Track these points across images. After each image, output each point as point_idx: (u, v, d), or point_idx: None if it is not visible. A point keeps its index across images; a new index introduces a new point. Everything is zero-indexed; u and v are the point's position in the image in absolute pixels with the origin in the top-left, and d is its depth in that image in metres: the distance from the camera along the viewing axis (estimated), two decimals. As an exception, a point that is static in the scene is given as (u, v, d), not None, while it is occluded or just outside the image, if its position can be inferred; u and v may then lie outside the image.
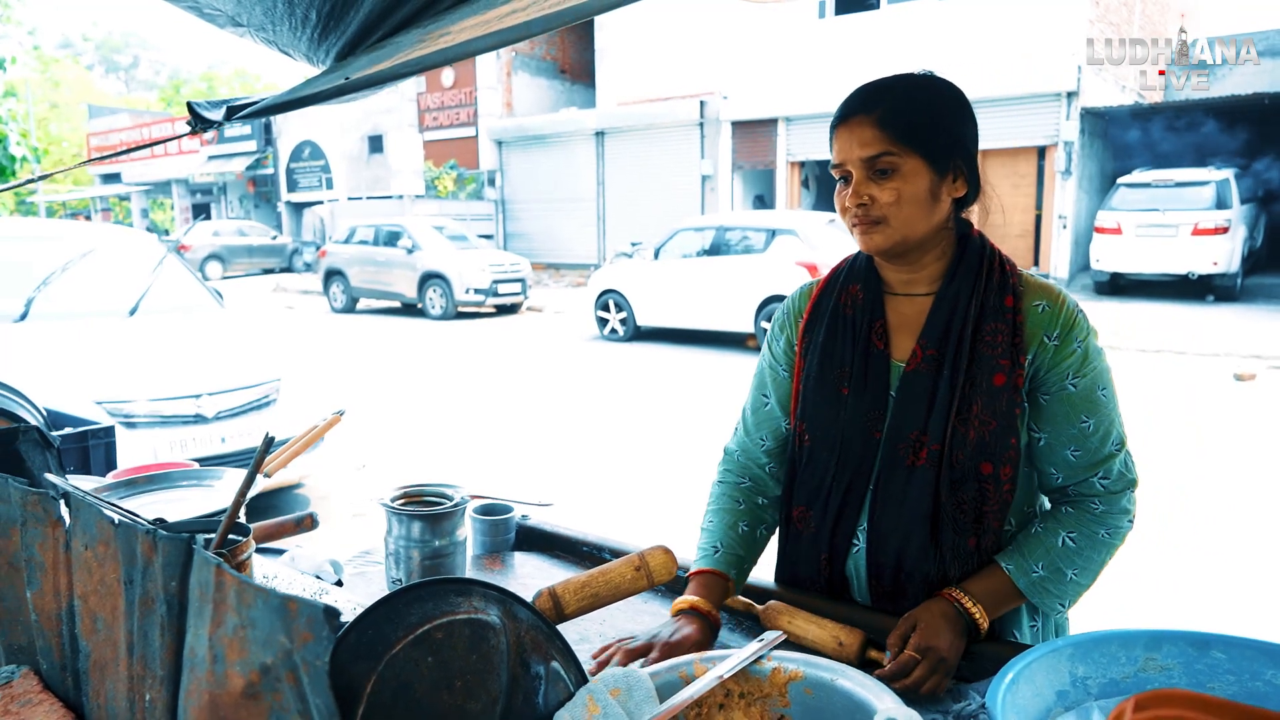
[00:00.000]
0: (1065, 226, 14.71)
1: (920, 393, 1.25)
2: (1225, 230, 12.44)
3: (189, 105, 1.95)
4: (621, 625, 1.38)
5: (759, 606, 1.32)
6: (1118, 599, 3.42)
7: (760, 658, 1.00)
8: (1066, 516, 1.26)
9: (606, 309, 12.07)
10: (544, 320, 14.51)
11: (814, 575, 1.36)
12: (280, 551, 1.62)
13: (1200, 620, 2.51)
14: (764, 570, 1.44)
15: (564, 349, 11.47)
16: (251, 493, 1.12)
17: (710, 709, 0.97)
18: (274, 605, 0.60)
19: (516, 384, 9.10)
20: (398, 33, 1.61)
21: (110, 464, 2.12)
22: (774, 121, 17.60)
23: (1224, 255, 12.49)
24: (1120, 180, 13.84)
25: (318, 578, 1.49)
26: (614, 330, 12.01)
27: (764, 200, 18.83)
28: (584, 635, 1.33)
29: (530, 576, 1.59)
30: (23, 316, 4.72)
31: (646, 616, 1.42)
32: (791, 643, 1.21)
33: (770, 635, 1.06)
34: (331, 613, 0.57)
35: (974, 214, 1.34)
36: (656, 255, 11.66)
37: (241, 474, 1.46)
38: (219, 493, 1.48)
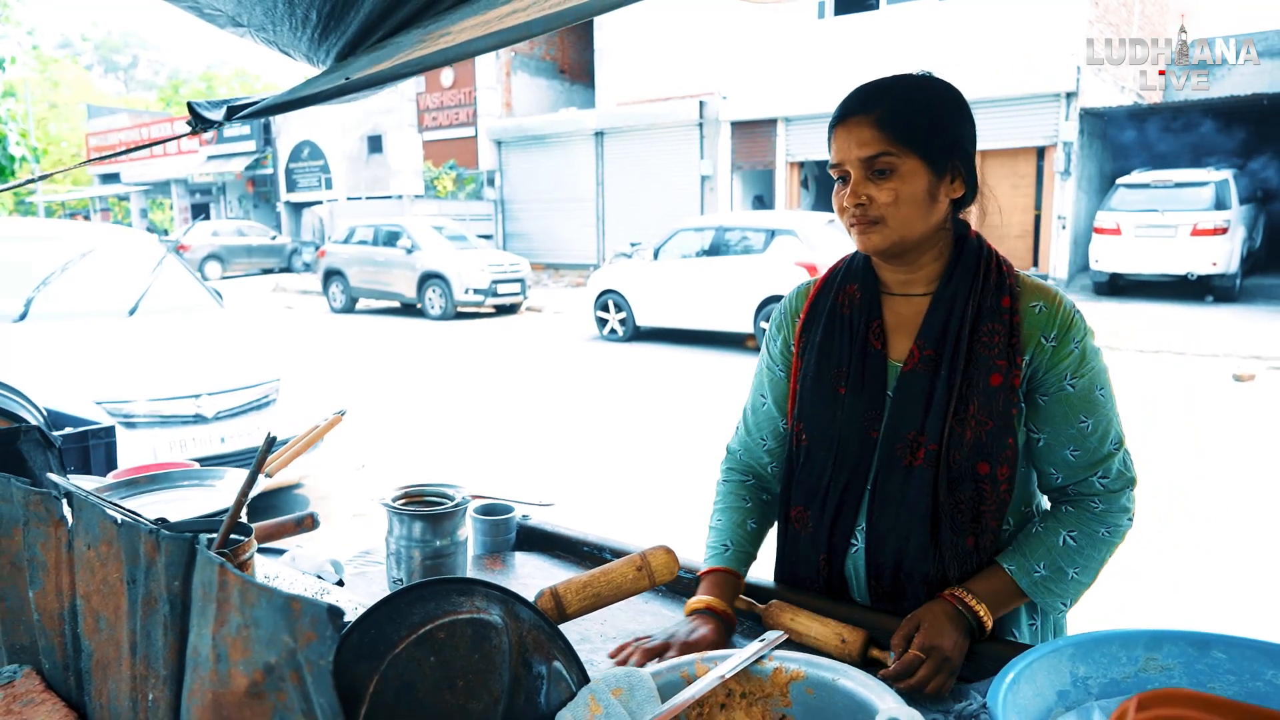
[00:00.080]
0: (1064, 227, 14.72)
1: (917, 393, 1.25)
2: (1224, 231, 12.45)
3: (189, 105, 1.95)
4: (622, 625, 1.38)
5: (760, 606, 1.32)
6: (1118, 599, 3.42)
7: (762, 657, 1.00)
8: (1067, 516, 1.27)
9: (606, 309, 12.07)
10: (543, 320, 14.51)
11: (813, 575, 1.36)
12: (280, 551, 1.63)
13: (1200, 620, 2.51)
14: (764, 569, 1.44)
15: (563, 349, 11.47)
16: (253, 492, 1.12)
17: (712, 709, 0.97)
18: (278, 605, 0.60)
19: (516, 384, 9.10)
20: (398, 33, 1.61)
21: (111, 464, 2.12)
22: (773, 122, 17.61)
23: (1223, 256, 12.50)
24: (1119, 181, 13.84)
25: (319, 578, 1.49)
26: (613, 330, 12.01)
27: (763, 200, 18.84)
28: (585, 635, 1.34)
29: (531, 576, 1.59)
30: (22, 316, 4.72)
31: (648, 616, 1.42)
32: (793, 642, 1.21)
33: (772, 635, 1.06)
34: (335, 612, 0.57)
35: (972, 215, 1.34)
36: (656, 255, 11.66)
37: (242, 474, 1.47)
38: (220, 493, 1.49)
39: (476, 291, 14.42)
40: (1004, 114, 14.46)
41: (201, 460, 3.51)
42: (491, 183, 22.90)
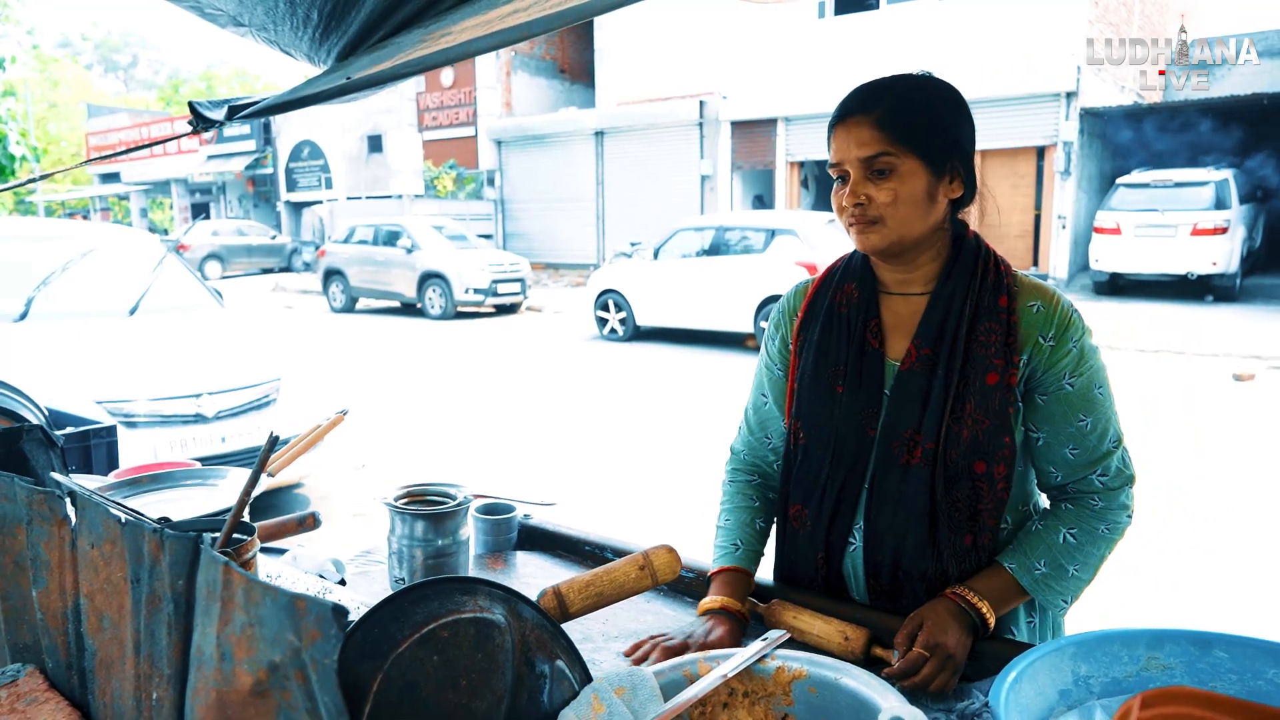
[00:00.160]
0: (1064, 227, 14.72)
1: (915, 391, 1.25)
2: (1224, 230, 12.45)
3: (190, 105, 1.95)
4: (624, 624, 1.38)
5: (762, 605, 1.33)
6: (1118, 598, 3.42)
7: (764, 656, 1.00)
8: (1066, 513, 1.27)
9: (606, 309, 12.07)
10: (543, 320, 14.51)
11: (811, 574, 1.37)
12: (282, 551, 1.63)
13: (1201, 619, 2.51)
14: (764, 569, 1.45)
15: (563, 349, 11.47)
16: (255, 492, 1.13)
17: (714, 708, 0.98)
18: (282, 604, 0.60)
19: (516, 384, 9.10)
20: (399, 33, 1.62)
21: (112, 463, 2.12)
22: (773, 121, 17.61)
23: (1223, 255, 12.50)
24: (1119, 180, 13.84)
25: (320, 577, 1.49)
26: (613, 330, 12.01)
27: (763, 200, 18.84)
28: (587, 635, 1.34)
29: (533, 576, 1.59)
30: (23, 316, 4.72)
31: (649, 615, 1.43)
32: (795, 641, 1.21)
33: (774, 634, 1.06)
34: (340, 611, 0.57)
35: (971, 215, 1.34)
36: (656, 255, 11.66)
37: (244, 473, 1.47)
38: (223, 492, 1.49)
39: (476, 291, 14.42)
40: (1004, 114, 14.46)
41: (202, 460, 3.51)
42: (491, 182, 22.90)
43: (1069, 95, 14.25)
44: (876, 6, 16.42)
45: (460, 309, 14.76)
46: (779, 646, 1.03)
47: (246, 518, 1.19)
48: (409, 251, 15.15)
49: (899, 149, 1.20)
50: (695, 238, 11.47)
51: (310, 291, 18.72)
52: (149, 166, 30.82)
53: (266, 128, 26.78)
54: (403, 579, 1.43)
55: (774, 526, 1.46)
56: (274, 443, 1.07)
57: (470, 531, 1.51)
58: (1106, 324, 10.60)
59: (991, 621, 1.21)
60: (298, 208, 27.13)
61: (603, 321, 12.12)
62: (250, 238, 25.12)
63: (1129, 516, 1.28)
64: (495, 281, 14.61)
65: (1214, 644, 0.97)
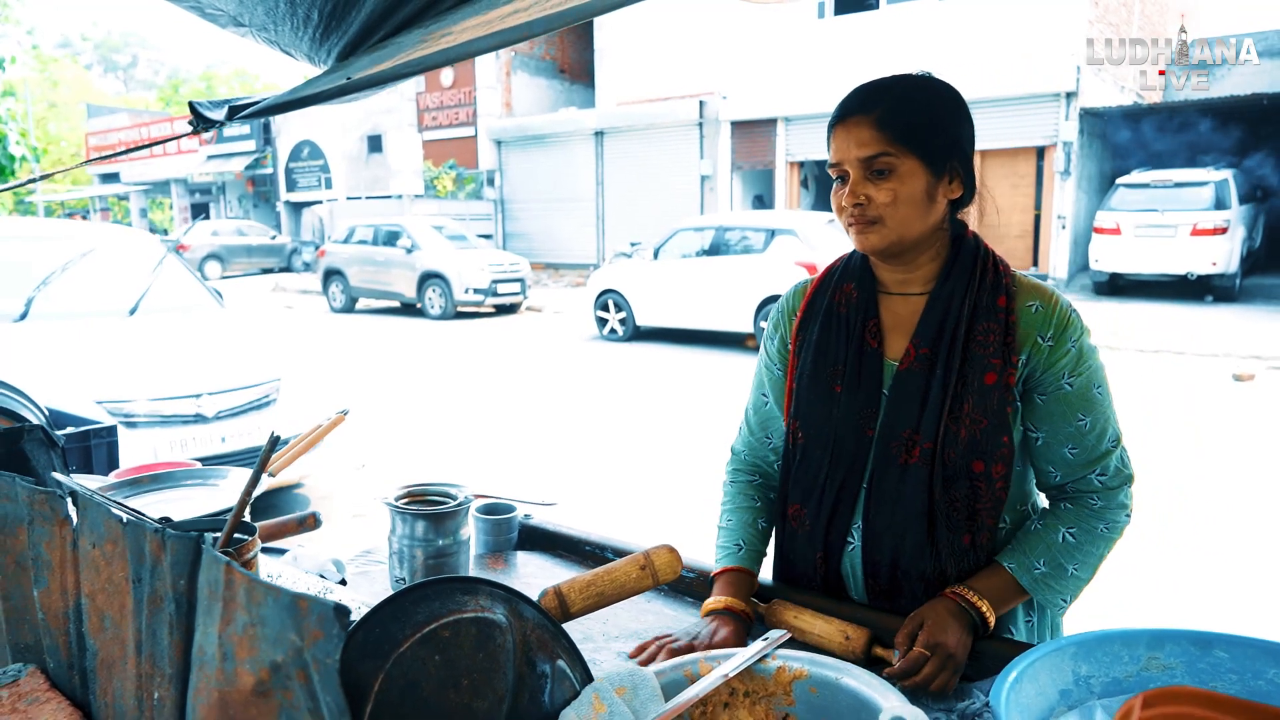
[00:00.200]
0: (1064, 227, 14.72)
1: (913, 391, 1.26)
2: (1224, 231, 12.45)
3: (191, 105, 1.95)
4: (625, 624, 1.38)
5: (763, 605, 1.33)
6: (1118, 598, 3.42)
7: (765, 656, 1.00)
8: (1065, 513, 1.28)
9: (606, 309, 12.07)
10: (543, 320, 14.51)
11: (810, 573, 1.37)
12: (282, 551, 1.63)
13: (1201, 619, 2.51)
14: (764, 569, 1.45)
15: (563, 349, 11.47)
16: (256, 492, 1.13)
17: (715, 708, 0.98)
18: (284, 603, 0.60)
19: (516, 384, 9.10)
20: (399, 33, 1.62)
21: (113, 463, 2.12)
22: (773, 121, 17.61)
23: (1223, 255, 12.50)
24: (1119, 180, 13.85)
25: (321, 577, 1.49)
26: (613, 330, 12.01)
27: (763, 200, 18.84)
28: (587, 634, 1.34)
29: (533, 576, 1.59)
30: (23, 316, 4.72)
31: (650, 615, 1.43)
32: (796, 641, 1.21)
33: (775, 634, 1.06)
34: (342, 611, 0.57)
35: (970, 215, 1.34)
36: (656, 255, 11.66)
37: (245, 473, 1.47)
38: (223, 492, 1.49)
39: (476, 291, 14.42)
40: (1004, 114, 14.46)
41: (202, 460, 3.51)
42: (491, 182, 22.90)
43: (1069, 95, 14.26)
44: (876, 6, 16.42)
45: (460, 309, 14.76)
46: (780, 646, 1.03)
47: (247, 518, 1.19)
48: (409, 251, 15.15)
49: (899, 149, 1.20)
50: (695, 238, 11.47)
51: (310, 291, 18.72)
52: (149, 166, 30.82)
53: (266, 128, 26.78)
54: (403, 579, 1.43)
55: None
56: (275, 443, 1.07)
57: (471, 531, 1.51)
58: (1106, 324, 10.60)
59: (992, 621, 1.21)
60: (298, 208, 27.13)
61: (603, 321, 12.12)
62: (250, 238, 25.12)
63: (1128, 516, 1.28)
64: (495, 281, 14.61)
65: (1214, 644, 0.98)
